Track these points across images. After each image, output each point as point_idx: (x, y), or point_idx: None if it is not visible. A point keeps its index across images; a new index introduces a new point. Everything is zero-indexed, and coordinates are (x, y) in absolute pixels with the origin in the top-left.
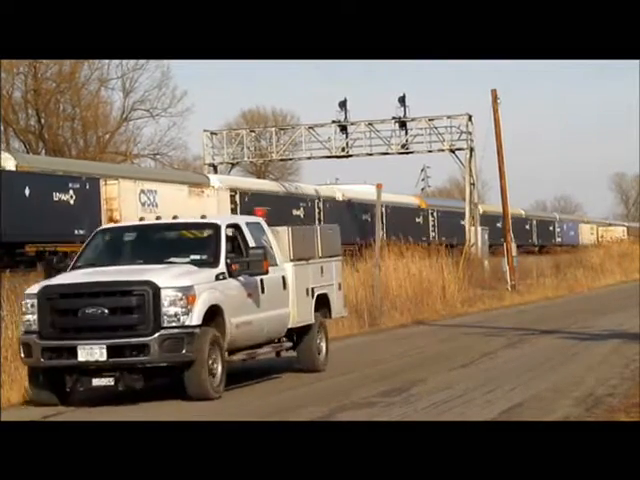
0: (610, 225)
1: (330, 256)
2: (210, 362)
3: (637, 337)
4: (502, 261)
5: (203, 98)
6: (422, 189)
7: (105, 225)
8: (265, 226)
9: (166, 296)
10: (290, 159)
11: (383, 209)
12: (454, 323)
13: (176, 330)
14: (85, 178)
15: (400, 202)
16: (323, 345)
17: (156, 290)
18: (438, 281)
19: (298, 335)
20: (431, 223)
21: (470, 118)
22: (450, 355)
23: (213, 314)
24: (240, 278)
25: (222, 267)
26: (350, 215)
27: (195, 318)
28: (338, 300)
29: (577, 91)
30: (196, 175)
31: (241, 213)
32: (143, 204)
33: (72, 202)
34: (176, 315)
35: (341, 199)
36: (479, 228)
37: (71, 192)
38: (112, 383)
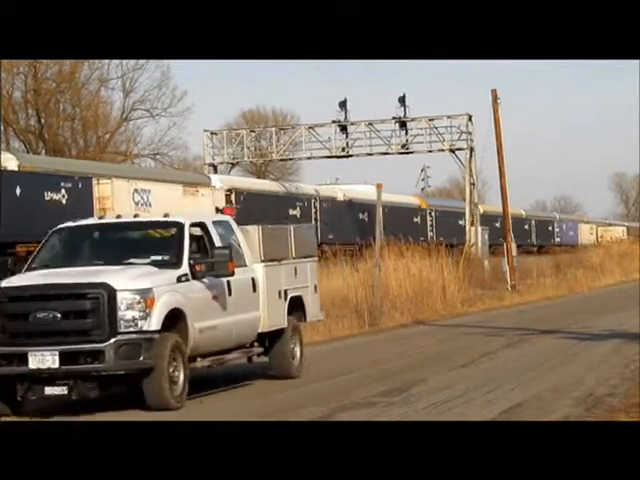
0: (610, 225)
1: (305, 256)
2: (171, 370)
3: (637, 337)
4: (502, 261)
5: (203, 98)
6: (422, 189)
7: (62, 224)
8: (234, 225)
9: (122, 299)
10: (290, 159)
11: (382, 209)
12: (454, 323)
13: (133, 335)
14: (77, 177)
15: (400, 202)
16: (297, 350)
17: (112, 293)
18: (438, 281)
19: (270, 340)
20: (429, 223)
21: (470, 118)
22: (450, 355)
23: (174, 318)
24: (205, 280)
25: (185, 268)
26: (350, 215)
27: (154, 323)
28: (314, 303)
29: (577, 91)
30: (197, 175)
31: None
32: (137, 203)
33: (64, 202)
34: (133, 319)
35: (342, 199)
36: (479, 228)
37: (63, 191)
38: (66, 392)
